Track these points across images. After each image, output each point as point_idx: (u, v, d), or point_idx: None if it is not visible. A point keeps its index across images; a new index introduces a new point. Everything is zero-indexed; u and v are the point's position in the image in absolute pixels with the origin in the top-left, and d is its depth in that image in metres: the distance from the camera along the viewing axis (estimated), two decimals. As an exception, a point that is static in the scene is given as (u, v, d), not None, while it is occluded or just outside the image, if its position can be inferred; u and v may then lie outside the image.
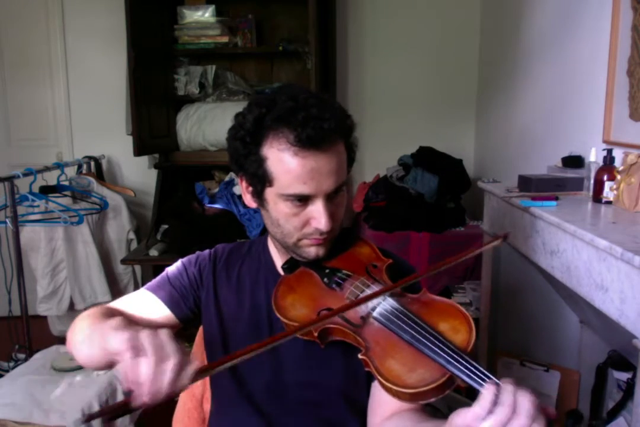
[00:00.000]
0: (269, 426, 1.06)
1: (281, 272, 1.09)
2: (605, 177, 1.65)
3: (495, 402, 0.71)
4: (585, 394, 2.08)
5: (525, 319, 2.23)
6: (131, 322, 0.89)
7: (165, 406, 1.13)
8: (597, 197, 1.68)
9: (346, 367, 1.03)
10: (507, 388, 0.72)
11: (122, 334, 0.75)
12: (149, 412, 1.26)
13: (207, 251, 1.18)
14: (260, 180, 0.98)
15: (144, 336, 0.75)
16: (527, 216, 1.73)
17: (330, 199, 0.98)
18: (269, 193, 0.99)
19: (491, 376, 0.76)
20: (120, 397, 1.99)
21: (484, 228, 2.24)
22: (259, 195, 1.01)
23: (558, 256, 1.54)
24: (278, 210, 0.99)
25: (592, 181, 1.74)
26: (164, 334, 0.76)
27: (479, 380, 0.76)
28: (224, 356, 0.80)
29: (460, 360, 0.78)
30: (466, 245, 2.82)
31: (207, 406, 1.27)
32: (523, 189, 1.86)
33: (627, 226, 1.40)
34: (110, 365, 0.79)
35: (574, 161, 1.99)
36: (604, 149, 1.73)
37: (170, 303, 1.09)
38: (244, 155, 0.98)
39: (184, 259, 1.16)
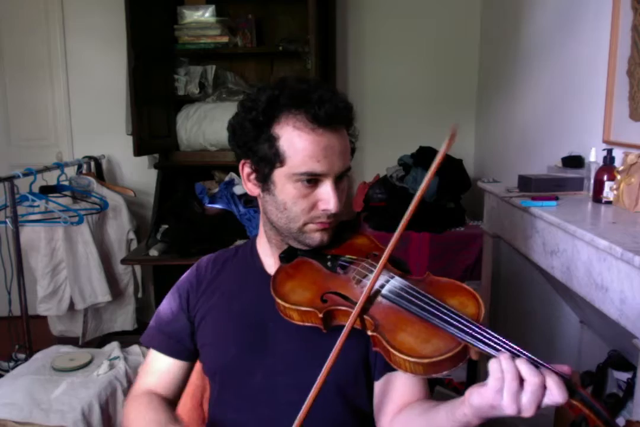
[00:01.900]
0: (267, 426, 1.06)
1: (270, 272, 1.08)
2: (605, 177, 1.65)
3: (502, 372, 0.72)
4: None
5: (525, 319, 2.23)
6: None
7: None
8: (597, 197, 1.68)
9: (345, 366, 1.02)
10: (505, 356, 0.74)
11: None
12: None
13: (186, 275, 1.19)
14: (270, 161, 0.98)
15: None
16: (527, 216, 1.73)
17: (337, 182, 0.99)
18: (278, 175, 0.98)
19: (507, 342, 0.76)
20: (120, 396, 1.99)
21: (484, 228, 2.24)
22: (265, 178, 1.00)
23: (558, 256, 1.54)
24: (286, 193, 0.99)
25: (592, 181, 1.74)
26: None
27: (496, 346, 0.76)
28: None
29: (474, 328, 0.78)
30: (466, 245, 2.83)
31: (207, 406, 1.26)
32: (523, 189, 1.86)
33: (627, 226, 1.40)
34: None
35: (574, 161, 1.99)
36: (604, 149, 1.74)
37: (176, 354, 1.14)
38: (254, 137, 0.98)
39: (169, 295, 1.18)
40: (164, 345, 1.14)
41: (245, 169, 1.04)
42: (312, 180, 0.97)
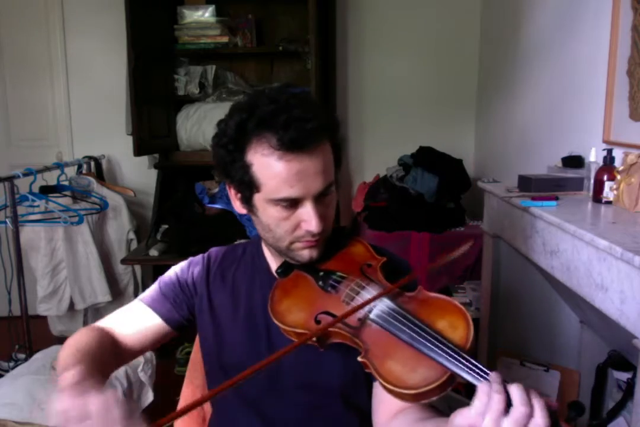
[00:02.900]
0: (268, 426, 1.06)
1: (277, 275, 1.09)
2: (605, 177, 1.66)
3: (490, 395, 0.72)
4: (585, 394, 2.08)
5: (525, 319, 2.23)
6: (90, 372, 0.94)
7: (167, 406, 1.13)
8: (597, 197, 1.68)
9: (345, 368, 1.03)
10: (497, 380, 0.73)
11: (60, 403, 0.80)
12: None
13: (199, 256, 1.18)
14: (248, 186, 0.97)
15: (91, 402, 0.79)
16: (527, 216, 1.73)
17: (320, 199, 0.97)
18: (258, 199, 0.98)
19: (492, 373, 0.76)
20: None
21: (483, 228, 2.24)
22: (247, 201, 1.00)
23: (558, 256, 1.54)
24: (268, 216, 0.98)
25: (592, 181, 1.74)
26: (112, 399, 0.81)
27: (479, 377, 0.76)
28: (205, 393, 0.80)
29: (459, 358, 0.78)
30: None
31: (208, 406, 1.27)
32: (523, 189, 1.86)
33: (627, 226, 1.40)
34: None
35: (574, 161, 1.99)
36: (604, 149, 1.74)
37: (164, 314, 1.11)
38: (229, 163, 0.97)
39: (177, 267, 1.16)
40: (163, 308, 1.11)
41: (232, 189, 1.04)
42: (292, 202, 0.96)
